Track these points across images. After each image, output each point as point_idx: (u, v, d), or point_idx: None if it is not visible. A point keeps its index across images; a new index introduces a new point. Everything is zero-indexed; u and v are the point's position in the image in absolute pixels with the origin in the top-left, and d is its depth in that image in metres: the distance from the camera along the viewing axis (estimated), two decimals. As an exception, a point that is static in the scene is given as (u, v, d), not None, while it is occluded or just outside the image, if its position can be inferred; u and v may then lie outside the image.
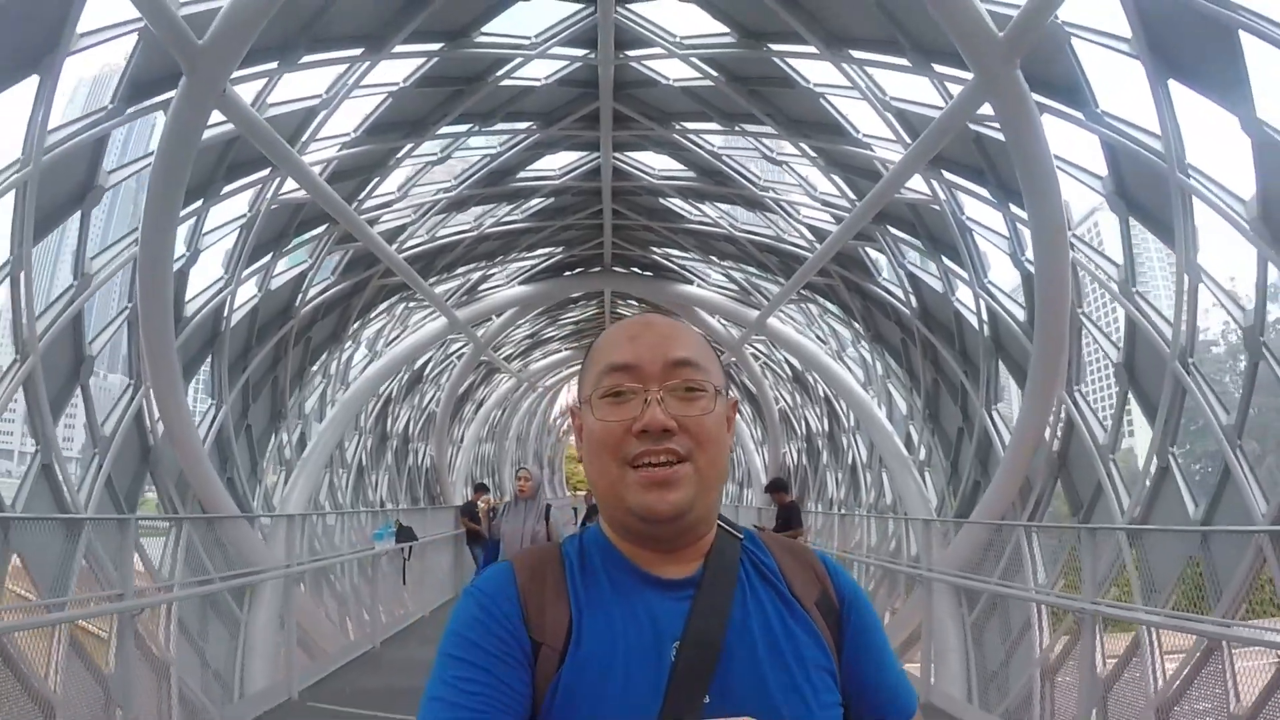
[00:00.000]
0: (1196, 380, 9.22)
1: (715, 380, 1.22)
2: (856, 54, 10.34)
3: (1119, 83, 8.44)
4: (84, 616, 7.98)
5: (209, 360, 12.74)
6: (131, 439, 11.30)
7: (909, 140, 10.68)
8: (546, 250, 19.51)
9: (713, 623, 1.14)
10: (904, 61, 9.83)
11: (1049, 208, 9.08)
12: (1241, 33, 6.97)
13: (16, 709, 6.90)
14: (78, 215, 9.74)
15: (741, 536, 1.28)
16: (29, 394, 9.36)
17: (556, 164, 15.42)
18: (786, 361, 22.85)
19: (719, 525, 1.26)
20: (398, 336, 19.56)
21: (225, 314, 12.54)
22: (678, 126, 13.46)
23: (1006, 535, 10.79)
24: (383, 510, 19.21)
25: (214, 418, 13.07)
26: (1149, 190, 9.18)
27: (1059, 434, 12.15)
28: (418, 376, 22.92)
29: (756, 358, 23.38)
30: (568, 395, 52.97)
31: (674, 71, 12.05)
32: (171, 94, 9.04)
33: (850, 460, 21.52)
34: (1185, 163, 8.54)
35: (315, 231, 13.27)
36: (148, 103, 9.26)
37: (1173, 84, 8.08)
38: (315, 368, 16.94)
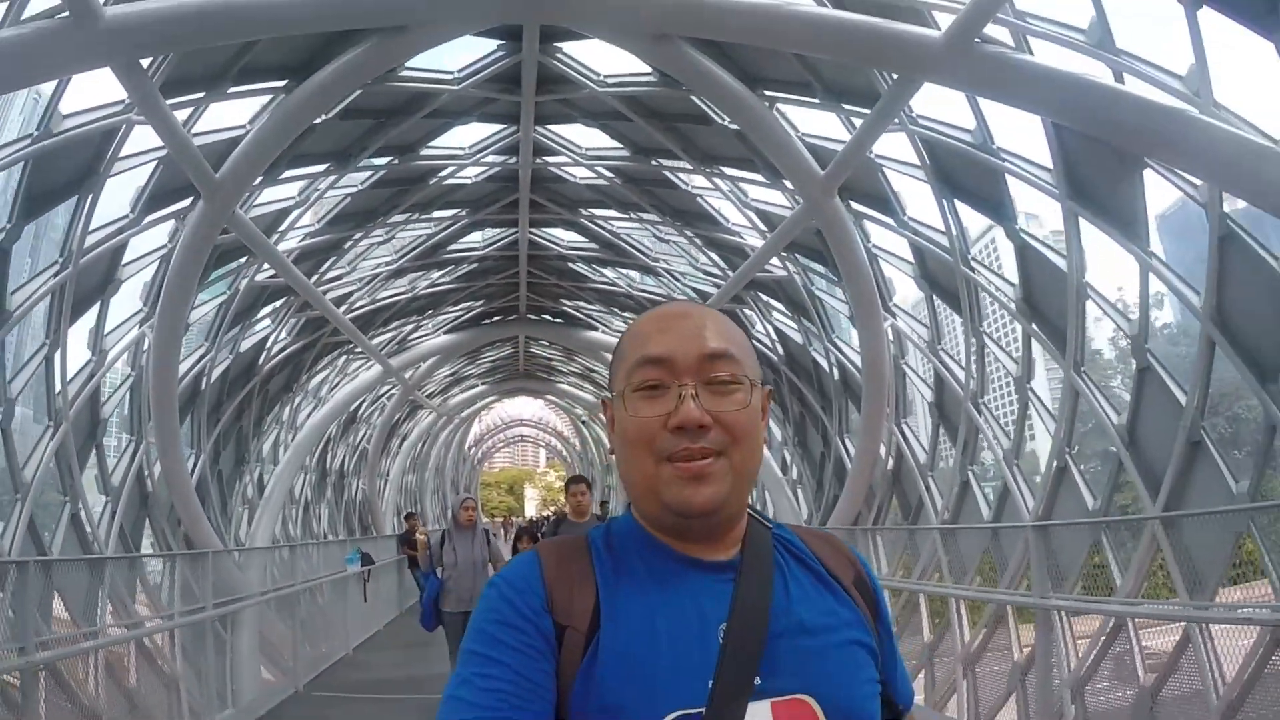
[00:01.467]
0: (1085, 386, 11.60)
1: (750, 372, 1.22)
2: (723, 169, 13.29)
3: (922, 198, 11.43)
4: (108, 644, 8.80)
5: (190, 415, 14.90)
6: (133, 487, 13.45)
7: (767, 232, 13.66)
8: (469, 304, 22.03)
9: (758, 603, 1.15)
10: (759, 177, 12.80)
11: (865, 290, 12.11)
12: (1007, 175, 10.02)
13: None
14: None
15: (771, 526, 1.29)
16: (61, 456, 11.52)
17: (481, 238, 18.02)
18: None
19: (750, 514, 1.26)
20: (338, 384, 21.84)
21: (206, 376, 14.76)
22: (583, 212, 16.28)
23: (859, 536, 13.82)
24: (344, 540, 21.35)
25: (194, 465, 15.21)
26: (946, 274, 12.23)
27: (893, 455, 15.33)
28: (352, 417, 25.10)
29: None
30: (478, 426, 55.25)
31: (580, 173, 14.83)
32: (181, 204, 11.49)
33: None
34: (969, 257, 11.70)
35: (231, 265, 15.08)
36: (162, 213, 11.59)
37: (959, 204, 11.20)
38: (270, 416, 19.15)
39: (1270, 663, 6.71)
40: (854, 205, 12.31)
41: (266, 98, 10.46)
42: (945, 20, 7.99)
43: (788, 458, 20.18)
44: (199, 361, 14.31)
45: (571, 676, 1.10)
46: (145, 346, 12.84)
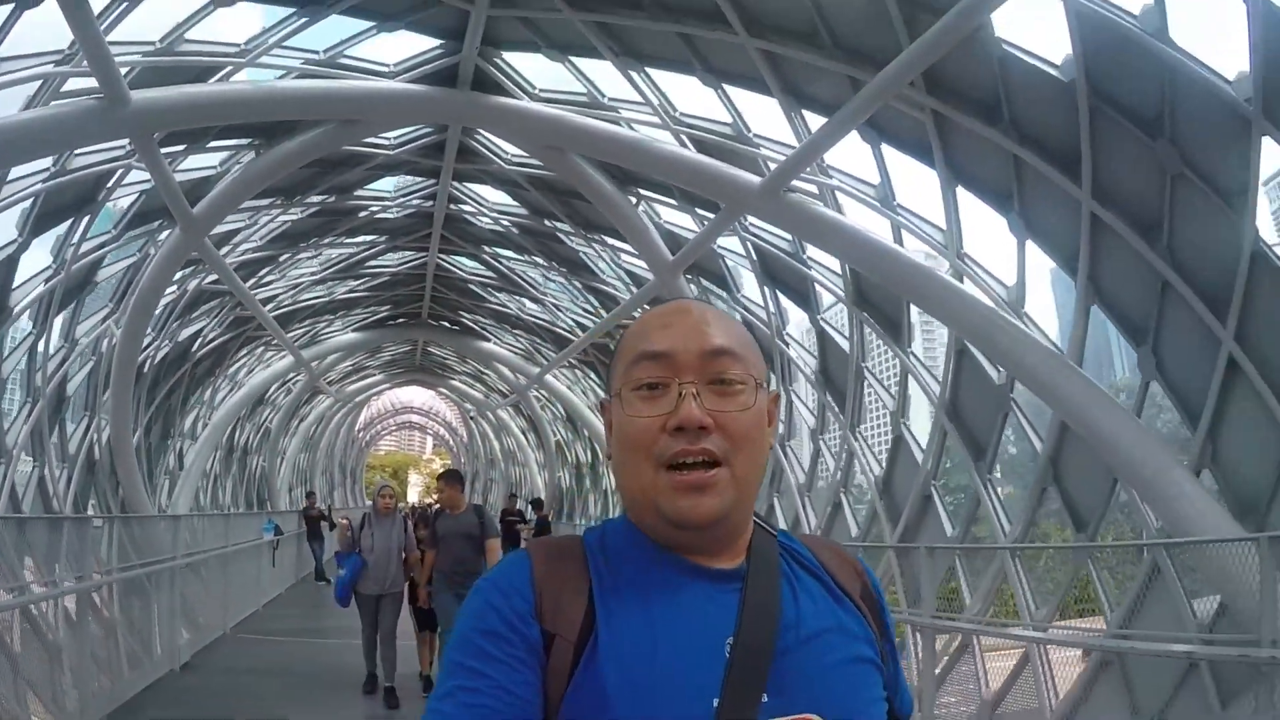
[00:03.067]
0: (857, 444, 15.62)
1: (755, 372, 1.17)
2: (602, 236, 16.49)
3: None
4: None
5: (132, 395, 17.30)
6: (85, 457, 15.86)
7: (634, 287, 16.89)
8: (376, 308, 24.70)
9: (766, 617, 1.10)
10: (629, 246, 16.03)
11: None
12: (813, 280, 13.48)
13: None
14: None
15: (775, 533, 1.24)
16: (35, 428, 13.96)
17: (396, 259, 20.80)
18: (561, 406, 28.89)
19: (755, 521, 1.22)
20: (254, 370, 24.27)
21: (150, 360, 17.16)
22: (485, 249, 19.28)
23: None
24: (253, 513, 23.75)
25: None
26: (766, 344, 15.57)
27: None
28: (260, 399, 27.40)
29: (538, 400, 29.24)
30: (368, 410, 57.22)
31: (485, 220, 17.83)
32: (153, 225, 14.03)
33: (603, 486, 27.89)
34: (785, 333, 15.17)
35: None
36: (137, 231, 14.11)
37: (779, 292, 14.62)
38: (194, 397, 21.53)
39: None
40: (702, 281, 15.65)
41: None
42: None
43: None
44: (145, 348, 16.74)
45: (561, 688, 1.05)
46: (110, 339, 15.29)
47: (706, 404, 1.12)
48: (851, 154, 11.03)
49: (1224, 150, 7.53)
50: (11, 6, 8.78)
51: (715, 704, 1.03)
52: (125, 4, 9.45)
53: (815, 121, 10.51)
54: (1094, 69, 8.02)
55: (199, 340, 19.12)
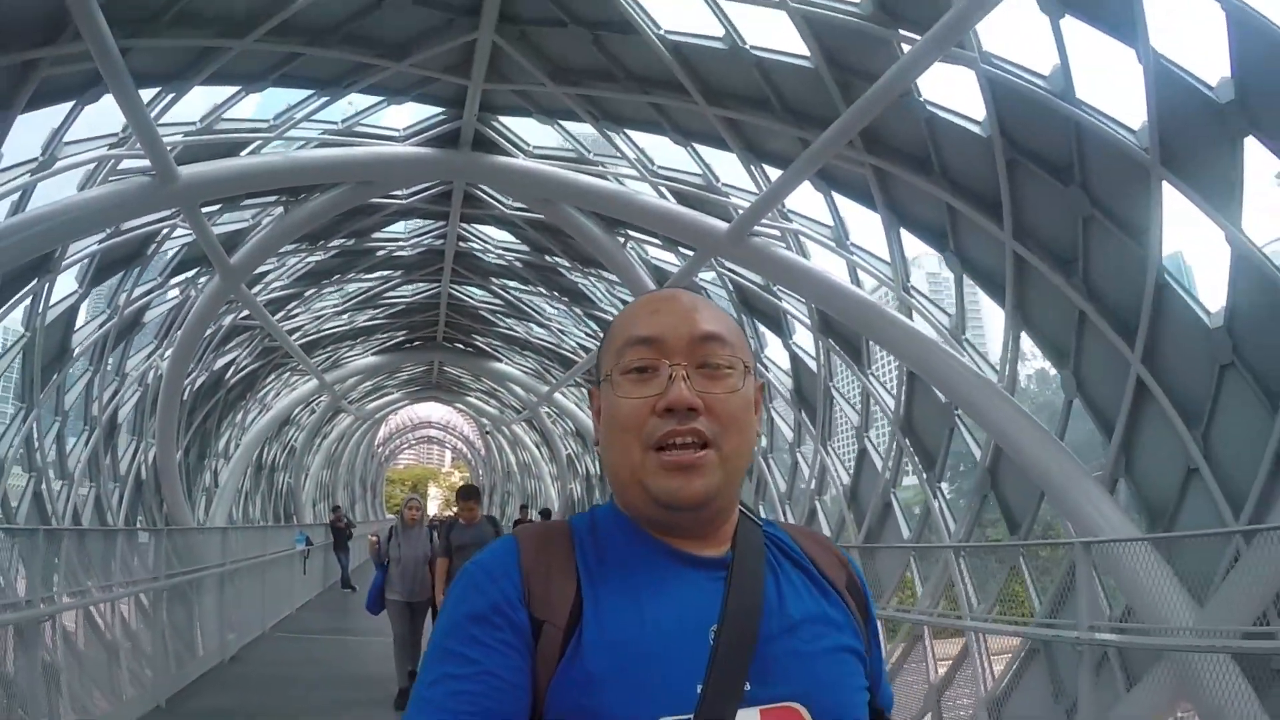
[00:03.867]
0: (829, 457, 17.15)
1: (744, 356, 1.20)
2: (597, 270, 18.08)
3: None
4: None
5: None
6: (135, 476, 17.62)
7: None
8: (394, 333, 26.41)
9: (751, 604, 1.11)
10: (616, 277, 17.61)
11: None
12: (785, 311, 15.06)
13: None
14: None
15: (761, 523, 1.26)
16: (93, 454, 15.71)
17: (410, 290, 22.48)
18: (571, 421, 30.46)
19: (741, 510, 1.24)
20: (280, 394, 26.05)
21: (190, 387, 18.86)
22: (494, 280, 20.92)
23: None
24: (281, 526, 25.56)
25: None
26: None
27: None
28: (286, 419, 29.13)
29: (549, 416, 30.83)
30: (387, 425, 59.11)
31: (492, 257, 19.47)
32: (192, 272, 15.73)
33: (609, 493, 29.37)
34: (764, 356, 16.72)
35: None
36: (180, 279, 15.85)
37: (756, 320, 16.20)
38: (227, 420, 23.32)
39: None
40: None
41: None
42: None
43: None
44: (187, 377, 18.48)
45: (549, 674, 1.06)
46: (156, 370, 17.03)
47: (696, 387, 1.14)
48: (810, 200, 12.46)
49: (1128, 193, 8.77)
50: (73, 103, 10.42)
51: (699, 690, 1.03)
52: (172, 95, 11.10)
53: (774, 173, 12.02)
54: (1009, 125, 9.40)
55: (232, 368, 20.89)
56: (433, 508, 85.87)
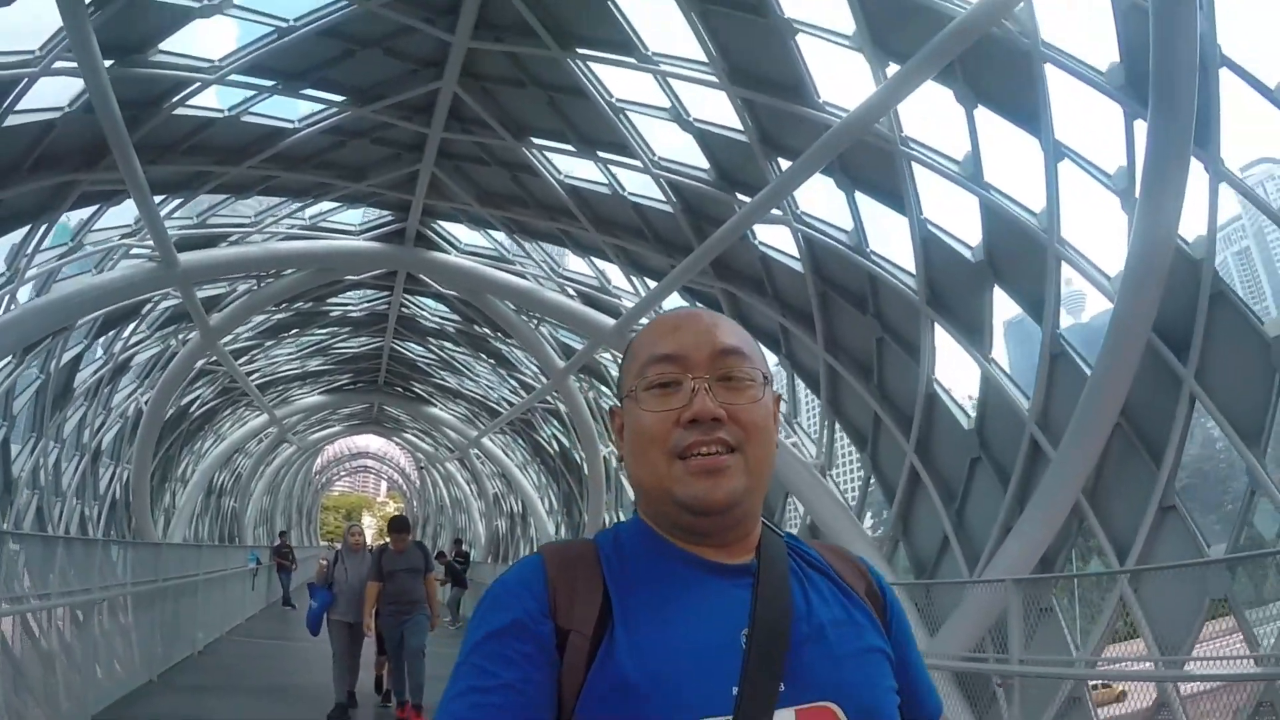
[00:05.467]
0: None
1: (763, 369, 1.23)
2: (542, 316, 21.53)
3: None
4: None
5: (144, 448, 22.01)
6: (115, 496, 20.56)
7: (546, 377, 21.92)
8: (339, 377, 29.56)
9: (780, 607, 1.14)
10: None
11: (586, 433, 20.54)
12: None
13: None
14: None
15: (783, 535, 1.28)
16: (83, 479, 18.69)
17: (357, 342, 25.70)
18: (497, 465, 33.64)
19: (762, 523, 1.26)
20: (233, 426, 29.04)
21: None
22: (432, 340, 24.28)
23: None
24: (229, 546, 28.41)
25: (138, 482, 22.29)
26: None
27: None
28: (238, 449, 31.96)
29: (478, 458, 34.04)
30: (324, 455, 61.56)
31: (429, 323, 22.84)
32: (175, 326, 18.86)
33: (530, 534, 32.66)
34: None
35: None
36: (164, 331, 18.96)
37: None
38: (187, 448, 26.27)
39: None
40: (592, 380, 20.70)
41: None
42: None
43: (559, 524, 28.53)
44: (157, 413, 21.52)
45: (577, 682, 1.08)
46: (136, 405, 20.09)
47: (718, 398, 1.17)
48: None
49: (907, 324, 11.96)
50: (97, 206, 13.56)
51: (735, 692, 1.06)
52: (179, 201, 14.39)
53: (652, 283, 15.55)
54: (820, 266, 12.74)
55: (197, 403, 23.88)
56: (367, 536, 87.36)
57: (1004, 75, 9.08)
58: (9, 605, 8.29)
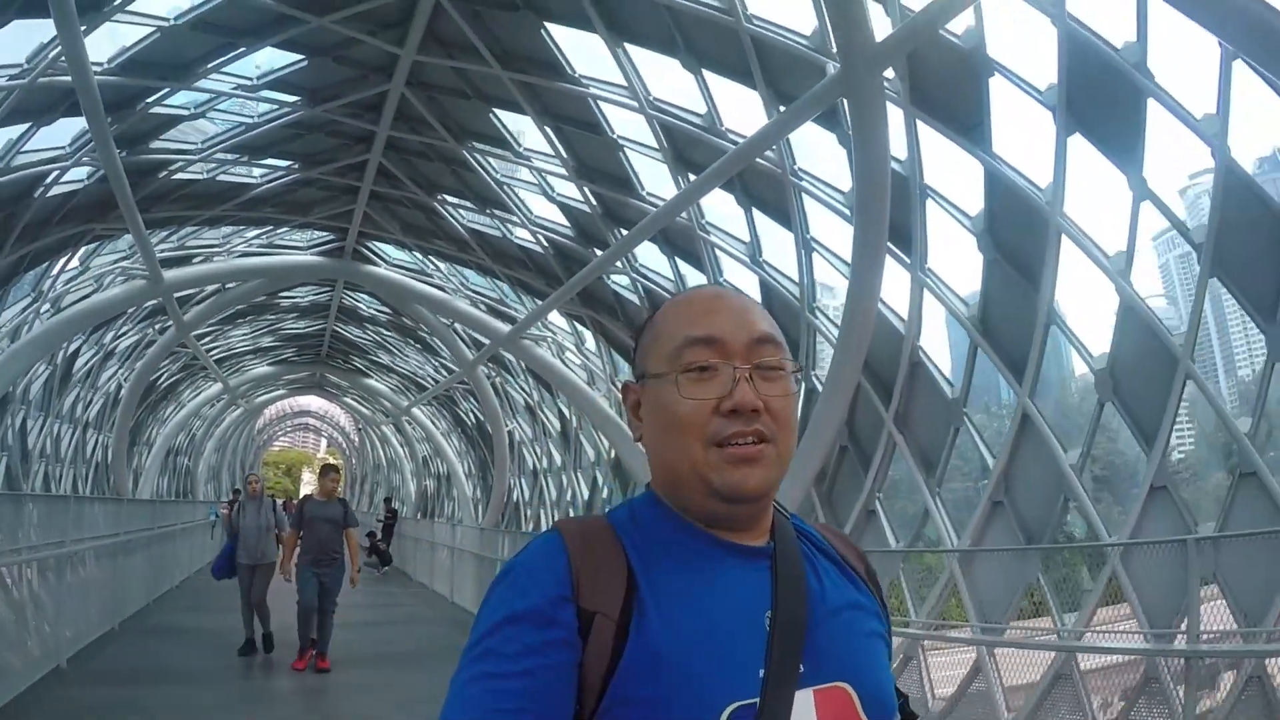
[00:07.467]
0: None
1: (789, 358, 1.23)
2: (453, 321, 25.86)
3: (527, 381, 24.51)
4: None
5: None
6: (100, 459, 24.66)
7: (457, 368, 26.32)
8: (286, 351, 33.62)
9: (798, 591, 1.15)
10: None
11: (491, 411, 25.05)
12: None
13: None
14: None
15: (790, 516, 1.28)
16: (78, 446, 22.77)
17: (304, 324, 29.71)
18: (424, 430, 37.95)
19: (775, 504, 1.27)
20: (191, 394, 33.10)
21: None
22: (369, 326, 28.49)
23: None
24: (188, 500, 32.54)
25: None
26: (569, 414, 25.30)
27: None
28: (194, 414, 35.92)
29: (409, 424, 38.28)
30: (265, 417, 63.62)
31: (366, 312, 27.03)
32: (153, 320, 22.91)
33: (454, 494, 37.17)
34: (576, 431, 24.81)
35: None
36: (144, 323, 22.98)
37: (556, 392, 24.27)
38: (152, 416, 30.30)
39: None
40: (492, 367, 25.14)
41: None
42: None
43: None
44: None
45: (604, 664, 1.06)
46: (116, 382, 24.14)
47: (757, 389, 1.16)
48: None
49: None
50: (99, 243, 17.70)
51: (761, 675, 1.06)
52: (172, 230, 18.51)
53: (537, 301, 20.02)
54: (655, 301, 17.29)
55: (163, 376, 27.92)
56: (306, 490, 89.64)
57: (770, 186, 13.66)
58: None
